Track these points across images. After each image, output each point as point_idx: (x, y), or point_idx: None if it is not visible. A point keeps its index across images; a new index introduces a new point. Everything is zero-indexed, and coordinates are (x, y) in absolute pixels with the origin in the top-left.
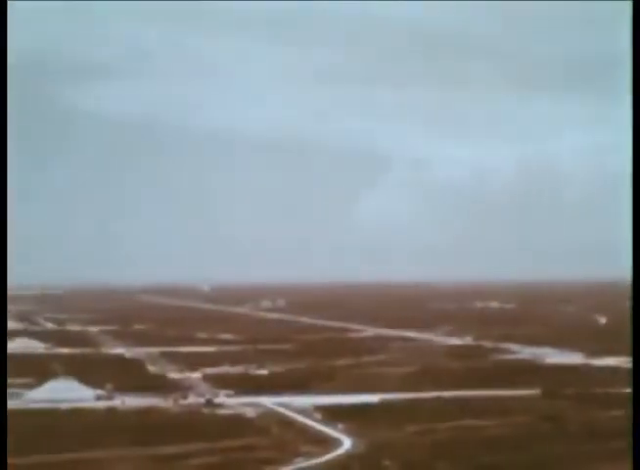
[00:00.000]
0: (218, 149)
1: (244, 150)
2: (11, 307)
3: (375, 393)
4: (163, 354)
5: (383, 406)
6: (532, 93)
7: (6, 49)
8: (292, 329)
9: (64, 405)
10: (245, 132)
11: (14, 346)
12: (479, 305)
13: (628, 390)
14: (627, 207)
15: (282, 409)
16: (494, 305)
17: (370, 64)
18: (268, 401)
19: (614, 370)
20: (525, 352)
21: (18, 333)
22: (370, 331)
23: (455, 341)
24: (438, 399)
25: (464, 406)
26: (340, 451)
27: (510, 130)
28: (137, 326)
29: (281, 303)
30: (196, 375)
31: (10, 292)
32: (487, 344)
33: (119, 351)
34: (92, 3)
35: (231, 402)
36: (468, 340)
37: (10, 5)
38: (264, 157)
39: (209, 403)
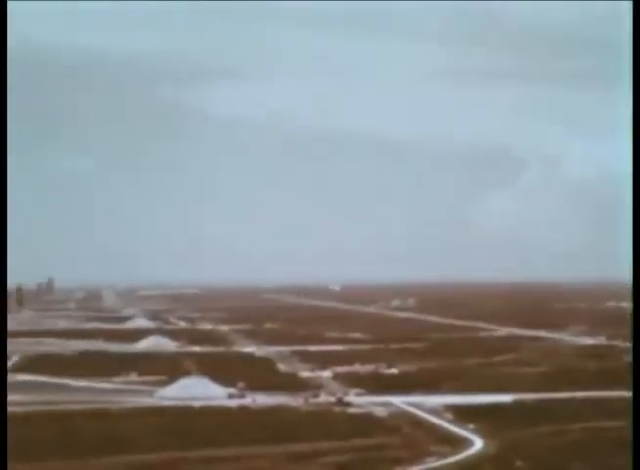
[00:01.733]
0: (343, 148)
1: (368, 149)
2: (146, 307)
3: (506, 393)
4: (294, 353)
5: (515, 407)
6: None
7: (6, 49)
8: (422, 328)
9: (196, 403)
10: (370, 132)
11: (146, 344)
12: (611, 304)
13: None
14: None
15: (412, 409)
16: (628, 304)
17: (491, 61)
18: (399, 401)
19: None
20: None
21: (150, 332)
22: (501, 330)
23: (588, 341)
24: (572, 399)
25: (597, 407)
26: (471, 451)
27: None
28: (268, 325)
29: (411, 302)
30: (326, 374)
31: (145, 292)
32: (621, 344)
33: (250, 349)
34: (221, 3)
35: (361, 401)
36: (601, 340)
37: (130, 6)
38: (389, 157)
39: (340, 402)
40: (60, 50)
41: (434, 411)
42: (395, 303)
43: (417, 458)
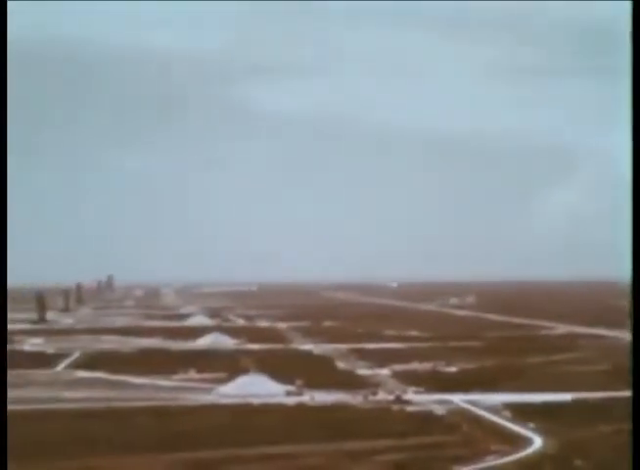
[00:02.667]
0: (399, 145)
1: (421, 147)
2: (205, 304)
3: (566, 391)
4: (352, 351)
5: (574, 405)
6: None
7: (6, 48)
8: (481, 326)
9: (254, 400)
10: (422, 129)
11: (205, 342)
12: None
13: None
14: None
15: (471, 407)
16: None
17: (545, 58)
18: (457, 399)
19: None
20: None
21: (210, 329)
22: (560, 328)
23: None
24: None
25: None
26: (530, 450)
27: None
28: (326, 323)
29: (470, 300)
30: (384, 372)
31: (204, 289)
32: None
33: (308, 347)
34: (286, 3)
35: (420, 399)
36: None
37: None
38: (447, 154)
39: (398, 400)
40: (124, 48)
41: (493, 410)
42: (454, 300)
43: (476, 457)
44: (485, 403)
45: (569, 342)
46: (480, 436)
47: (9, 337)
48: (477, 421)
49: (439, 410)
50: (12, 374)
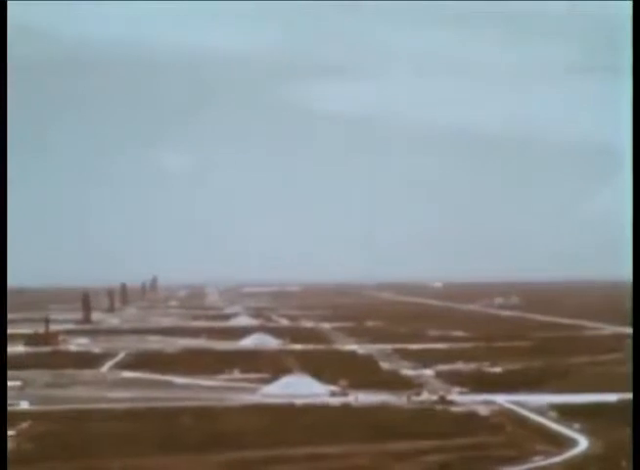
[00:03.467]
0: (445, 145)
1: (466, 148)
2: (248, 304)
3: (612, 392)
4: (396, 351)
5: (620, 406)
6: None
7: (6, 49)
8: (526, 326)
9: (298, 401)
10: (467, 128)
11: (249, 342)
12: None
13: None
14: None
15: (516, 407)
16: None
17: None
18: (502, 399)
19: None
20: None
21: (253, 329)
22: (607, 329)
23: None
24: None
25: None
26: (576, 451)
27: None
28: (369, 323)
29: (515, 300)
30: (428, 372)
31: (248, 289)
32: None
33: (352, 347)
34: (326, 3)
35: (464, 400)
36: None
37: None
38: (491, 154)
39: (443, 401)
40: (170, 50)
41: (538, 410)
42: (499, 300)
43: (522, 457)
44: (530, 404)
45: (616, 342)
46: (526, 436)
47: (57, 337)
48: (521, 422)
49: (484, 411)
50: (58, 374)
